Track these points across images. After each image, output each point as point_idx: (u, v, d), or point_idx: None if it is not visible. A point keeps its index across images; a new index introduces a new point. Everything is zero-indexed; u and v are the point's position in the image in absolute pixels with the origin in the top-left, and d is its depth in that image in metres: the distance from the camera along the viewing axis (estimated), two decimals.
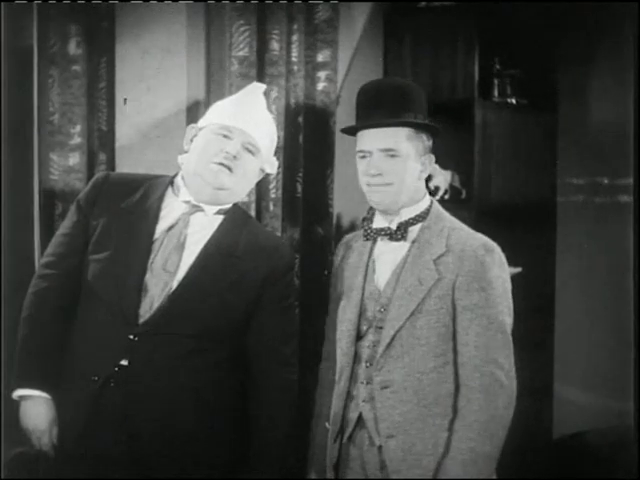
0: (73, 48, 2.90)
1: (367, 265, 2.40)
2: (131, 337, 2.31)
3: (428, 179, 3.73)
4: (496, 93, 3.87)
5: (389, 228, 2.37)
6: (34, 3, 2.87)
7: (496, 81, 3.86)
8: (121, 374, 2.31)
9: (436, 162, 3.71)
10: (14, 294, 2.59)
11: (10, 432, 2.49)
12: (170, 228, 2.40)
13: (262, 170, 2.52)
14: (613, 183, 4.13)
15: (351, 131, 2.42)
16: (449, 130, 4.00)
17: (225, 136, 2.40)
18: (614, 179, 4.13)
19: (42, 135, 2.92)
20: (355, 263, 2.43)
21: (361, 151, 2.37)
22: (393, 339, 2.28)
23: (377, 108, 2.34)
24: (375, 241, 2.41)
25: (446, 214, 2.41)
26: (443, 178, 3.70)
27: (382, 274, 2.37)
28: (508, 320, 2.29)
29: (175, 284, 2.35)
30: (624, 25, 3.24)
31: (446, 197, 3.69)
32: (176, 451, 2.34)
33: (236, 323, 2.41)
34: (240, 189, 2.47)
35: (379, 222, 2.40)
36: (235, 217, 2.48)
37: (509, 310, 2.30)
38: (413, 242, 2.35)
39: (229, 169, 2.40)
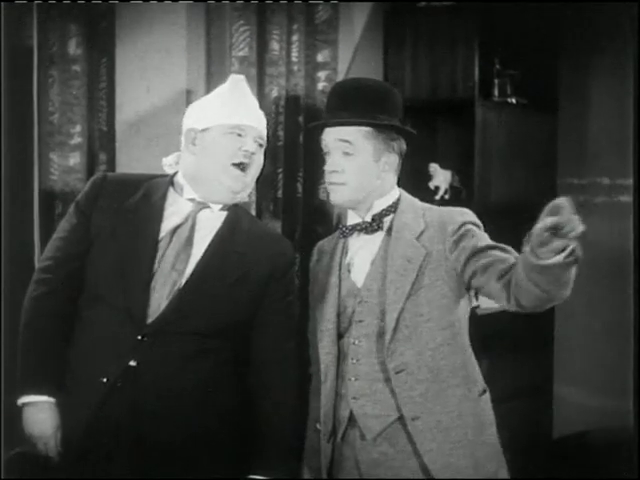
0: (73, 48, 2.90)
1: (340, 264, 2.41)
2: (139, 337, 2.30)
3: (428, 179, 3.74)
4: (496, 93, 3.86)
5: (364, 221, 2.38)
6: (34, 3, 2.87)
7: (496, 81, 3.86)
8: (129, 374, 2.30)
9: (436, 162, 3.75)
10: (14, 294, 2.58)
11: (10, 432, 2.49)
12: (177, 227, 2.40)
13: None
14: (613, 183, 4.13)
15: (317, 130, 2.43)
16: (449, 130, 4.02)
17: (239, 135, 2.40)
18: (614, 179, 4.13)
19: (42, 135, 2.92)
20: (328, 265, 2.44)
21: (323, 149, 2.40)
22: (397, 322, 2.28)
23: (339, 108, 2.36)
24: (346, 240, 2.42)
25: (417, 201, 2.43)
26: (443, 178, 3.70)
27: (361, 268, 2.38)
28: None
29: (183, 282, 2.35)
30: (624, 25, 3.24)
31: (446, 197, 3.69)
32: (185, 450, 2.34)
33: (242, 319, 2.40)
34: (252, 183, 2.48)
35: (352, 218, 2.42)
36: (237, 213, 2.49)
37: None
38: (389, 230, 2.37)
39: (247, 169, 2.41)
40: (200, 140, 2.42)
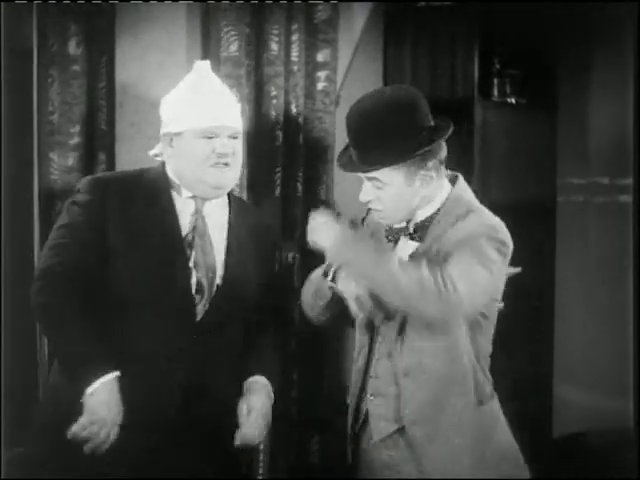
0: (73, 48, 2.91)
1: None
2: (189, 336, 2.35)
3: None
4: (496, 93, 3.87)
5: (408, 228, 2.35)
6: (34, 3, 2.87)
7: (496, 81, 3.86)
8: (178, 374, 2.34)
9: None
10: (14, 293, 2.59)
11: (10, 432, 2.49)
12: (194, 227, 2.41)
13: None
14: (613, 183, 4.13)
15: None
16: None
17: (211, 137, 2.39)
18: (614, 179, 4.13)
19: (42, 135, 2.92)
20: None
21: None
22: (402, 327, 2.28)
23: (355, 146, 2.28)
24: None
25: (463, 201, 2.31)
26: None
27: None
28: (493, 256, 2.20)
29: (219, 280, 2.40)
30: (624, 25, 3.24)
31: None
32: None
33: (266, 300, 2.51)
34: (238, 172, 2.49)
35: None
36: (234, 200, 2.54)
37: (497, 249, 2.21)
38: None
39: (227, 165, 2.41)
40: (176, 143, 2.41)
